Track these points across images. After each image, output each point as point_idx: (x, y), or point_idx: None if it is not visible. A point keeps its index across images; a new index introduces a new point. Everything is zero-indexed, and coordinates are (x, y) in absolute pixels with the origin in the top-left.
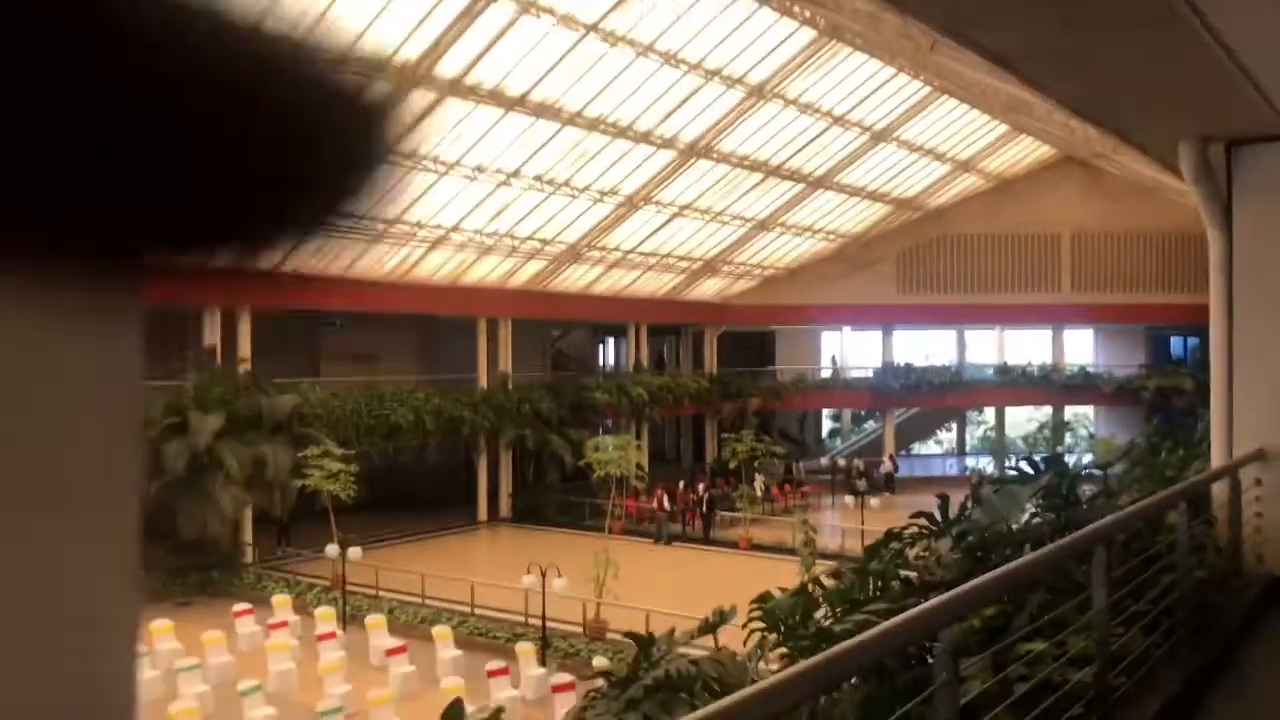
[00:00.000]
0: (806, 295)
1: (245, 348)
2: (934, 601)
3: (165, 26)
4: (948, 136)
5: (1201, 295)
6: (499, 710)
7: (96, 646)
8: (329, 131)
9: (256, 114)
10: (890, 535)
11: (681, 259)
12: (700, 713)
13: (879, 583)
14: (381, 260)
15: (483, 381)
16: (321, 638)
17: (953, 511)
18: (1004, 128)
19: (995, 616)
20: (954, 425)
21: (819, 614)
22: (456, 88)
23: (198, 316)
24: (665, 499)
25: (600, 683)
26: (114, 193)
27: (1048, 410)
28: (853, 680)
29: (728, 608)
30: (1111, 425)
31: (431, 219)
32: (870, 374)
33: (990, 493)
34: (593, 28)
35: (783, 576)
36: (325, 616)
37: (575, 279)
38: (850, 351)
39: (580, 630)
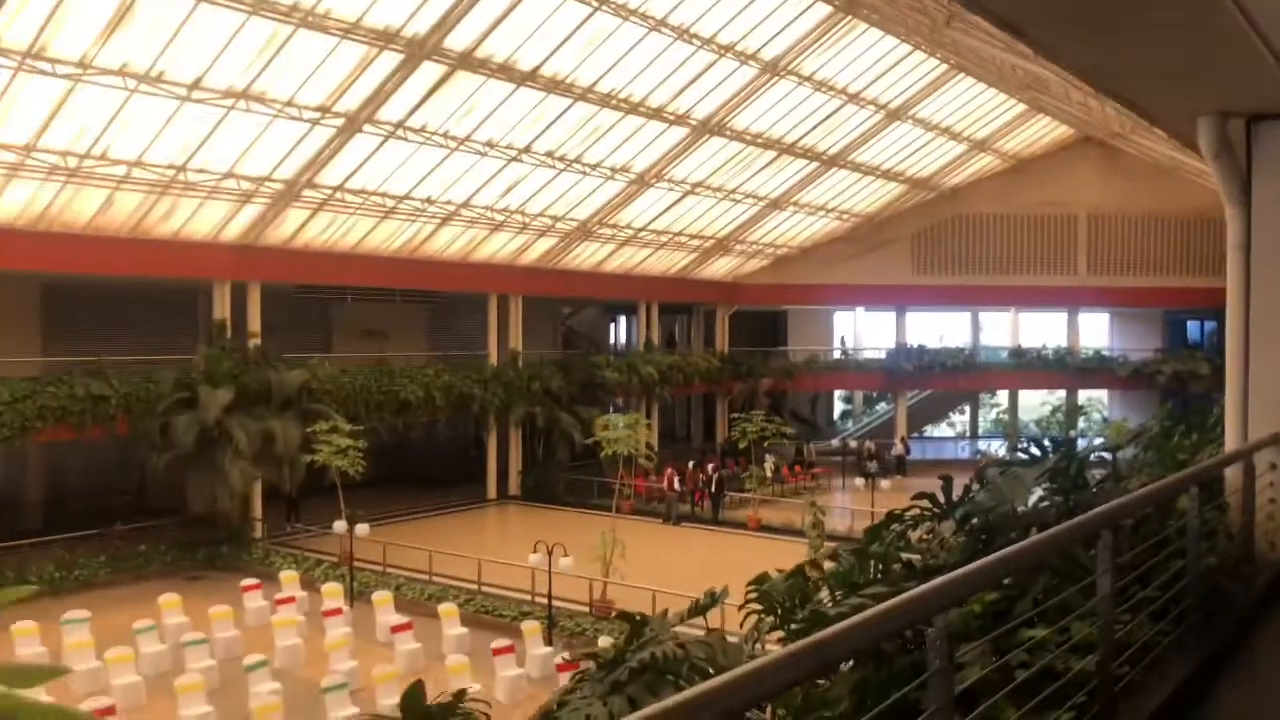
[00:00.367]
0: (819, 275)
1: (255, 322)
2: (927, 586)
3: None
4: (964, 115)
5: (1220, 279)
6: (462, 691)
7: None
8: None
9: None
10: (891, 517)
11: (693, 237)
12: (682, 695)
13: (879, 565)
14: (393, 236)
15: (493, 358)
16: (328, 614)
17: (958, 493)
18: (1021, 107)
19: (998, 601)
20: (967, 408)
21: (820, 596)
22: (467, 61)
23: (208, 291)
24: (675, 479)
25: (588, 664)
26: None
27: (1062, 394)
28: (850, 663)
29: (719, 589)
30: (1126, 409)
31: (442, 195)
32: (883, 355)
33: (996, 475)
34: (605, 1)
35: (790, 558)
36: (332, 593)
37: (586, 256)
38: (863, 332)
39: (587, 609)
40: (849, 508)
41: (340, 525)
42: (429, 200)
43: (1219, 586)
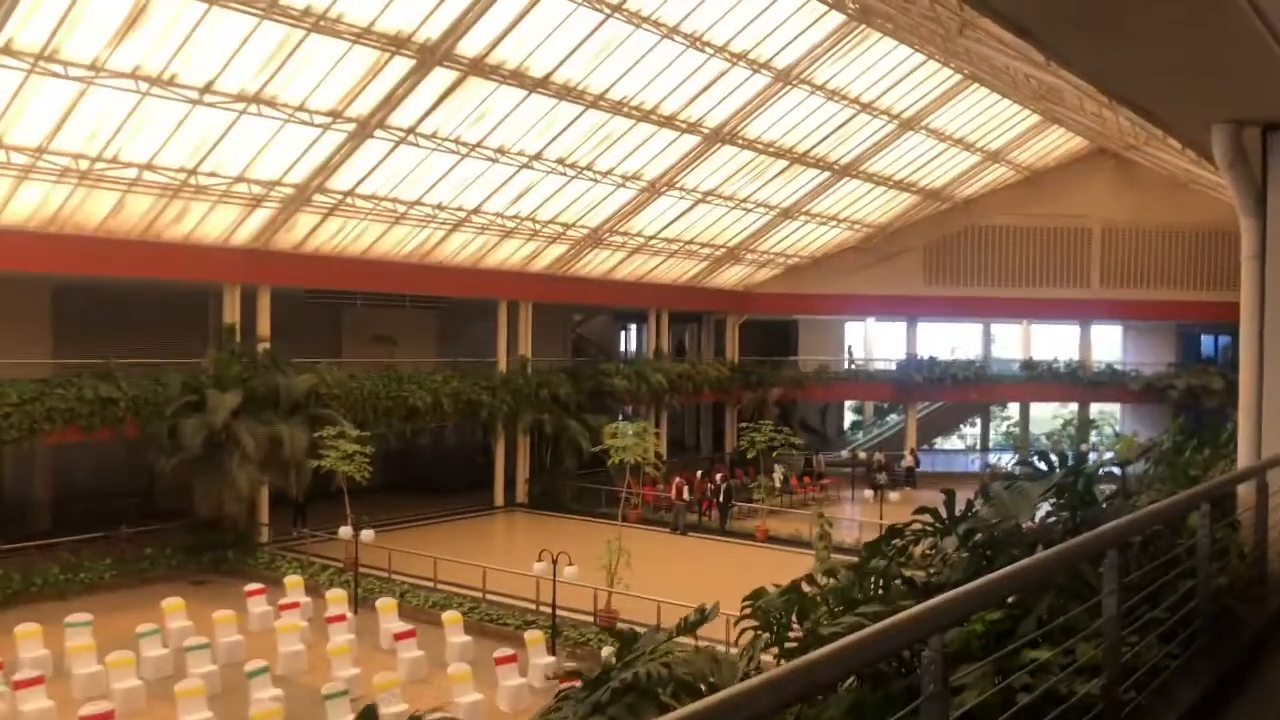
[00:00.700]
0: (830, 285)
1: (265, 326)
2: (922, 606)
3: None
4: (977, 126)
5: (1235, 293)
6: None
7: None
8: None
9: None
10: (892, 532)
11: (704, 246)
12: (667, 719)
13: (879, 581)
14: (403, 241)
15: (502, 365)
16: (331, 620)
17: (964, 507)
18: (1035, 118)
19: (1000, 620)
20: (978, 420)
21: (817, 613)
22: (479, 67)
23: (218, 295)
24: (684, 489)
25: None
26: None
27: (1074, 407)
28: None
29: (709, 606)
30: (1138, 424)
31: (453, 201)
32: (893, 366)
33: (1000, 489)
34: (617, 8)
35: (797, 570)
36: (336, 599)
37: (597, 264)
38: (874, 343)
39: (591, 619)
40: (857, 519)
41: (346, 531)
42: (440, 206)
43: (1229, 608)
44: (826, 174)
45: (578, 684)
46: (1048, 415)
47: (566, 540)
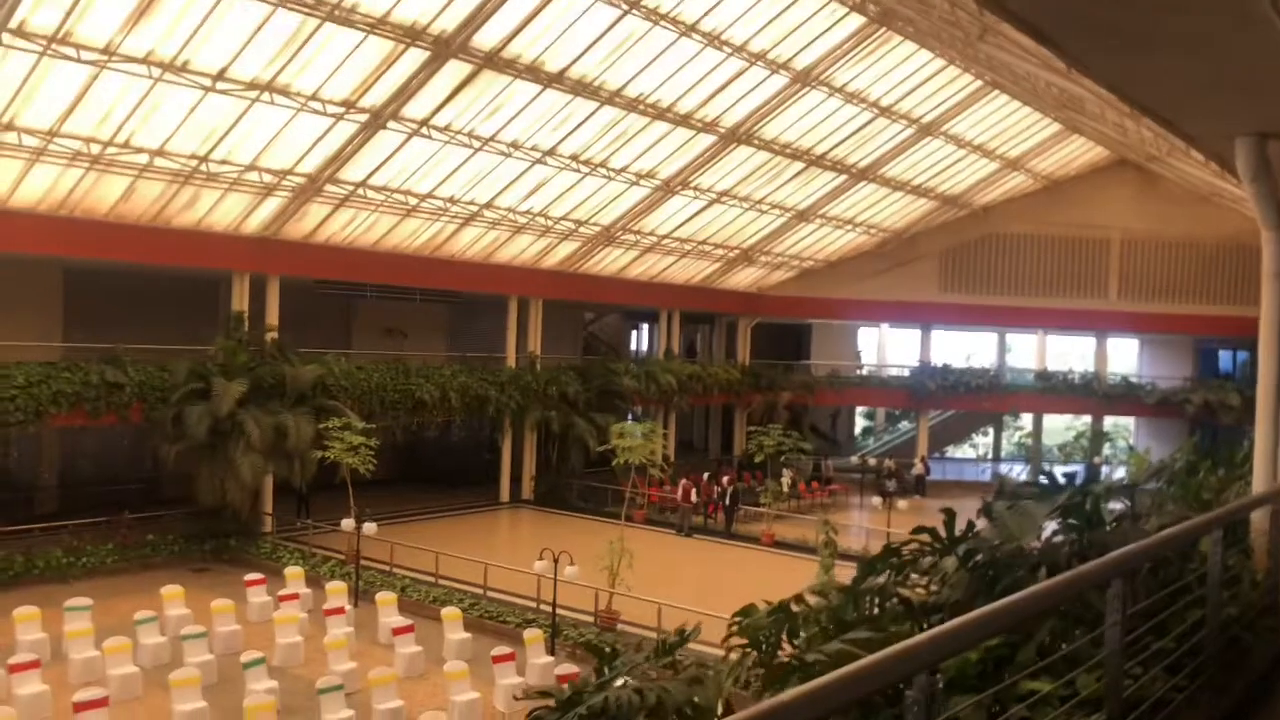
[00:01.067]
0: (844, 289)
1: (273, 316)
2: (905, 644)
3: None
4: (997, 133)
5: (1255, 308)
6: None
7: None
8: None
9: None
10: (888, 551)
11: (718, 246)
12: None
13: (876, 601)
14: (414, 234)
15: (511, 361)
16: (330, 612)
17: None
18: (1056, 126)
19: (998, 647)
20: (990, 430)
21: (810, 632)
22: (494, 60)
23: (229, 283)
24: (692, 491)
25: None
26: None
27: (1088, 419)
28: None
29: (690, 627)
30: (1153, 438)
31: (465, 194)
32: (907, 373)
33: (1003, 509)
34: (635, 4)
35: (801, 575)
36: (336, 591)
37: (609, 262)
38: (888, 349)
39: (592, 619)
40: (864, 527)
41: (348, 523)
42: (451, 200)
43: (1239, 639)
44: (843, 177)
45: (551, 704)
46: (1061, 426)
47: (570, 539)
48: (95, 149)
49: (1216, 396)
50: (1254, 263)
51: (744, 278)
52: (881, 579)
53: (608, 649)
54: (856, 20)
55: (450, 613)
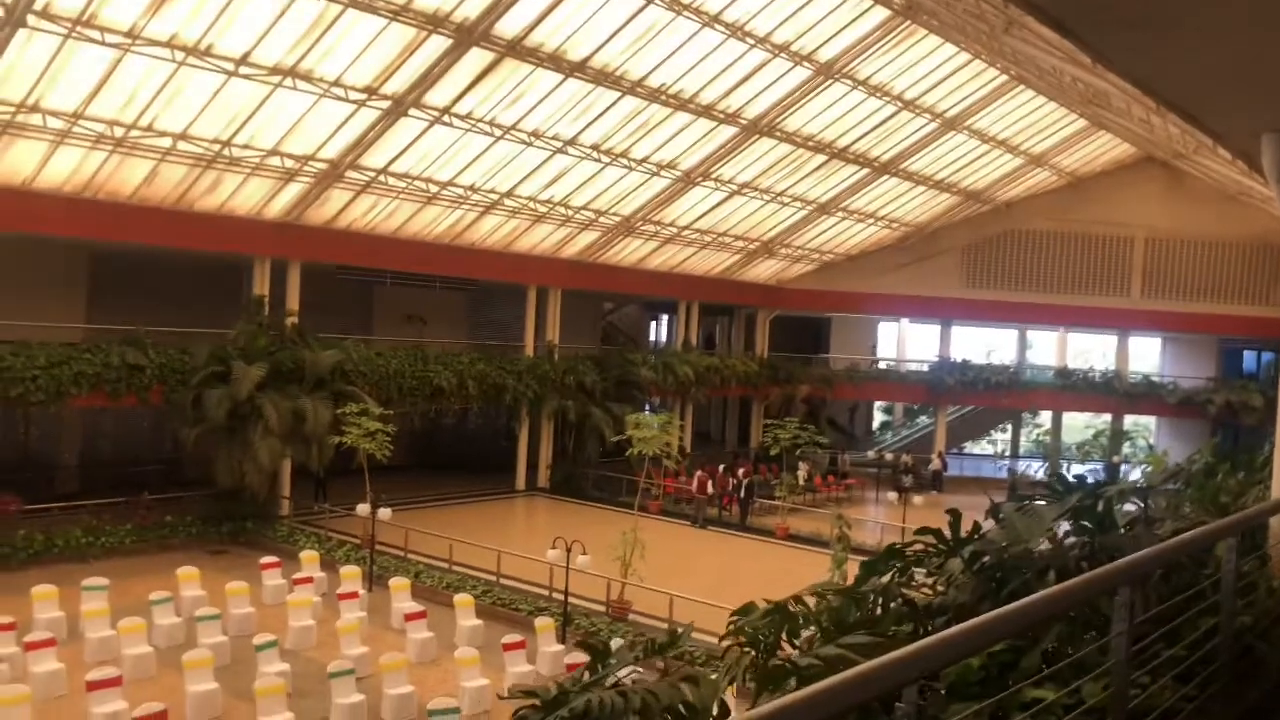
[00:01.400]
0: (865, 283)
1: (294, 300)
2: (892, 656)
3: None
4: (1022, 128)
5: None
6: None
7: None
8: None
9: None
10: (891, 553)
11: (738, 238)
12: None
13: (879, 602)
14: (434, 222)
15: (529, 350)
16: (344, 596)
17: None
18: (1081, 123)
19: (1002, 653)
20: (1009, 426)
21: (816, 632)
22: (516, 49)
23: (249, 267)
24: (708, 483)
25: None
26: None
27: (1107, 417)
28: None
29: (682, 627)
30: (1174, 438)
31: (485, 183)
32: (926, 368)
33: (1012, 510)
34: None
35: (814, 568)
36: (350, 575)
37: (628, 253)
38: (908, 344)
39: (603, 609)
40: (880, 522)
41: (363, 508)
42: (472, 188)
43: (1252, 648)
44: (866, 171)
45: (536, 703)
46: (1080, 425)
47: (585, 528)
48: (119, 132)
49: (1239, 397)
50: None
51: (764, 270)
52: (885, 579)
53: (601, 646)
54: (881, 13)
55: (462, 599)
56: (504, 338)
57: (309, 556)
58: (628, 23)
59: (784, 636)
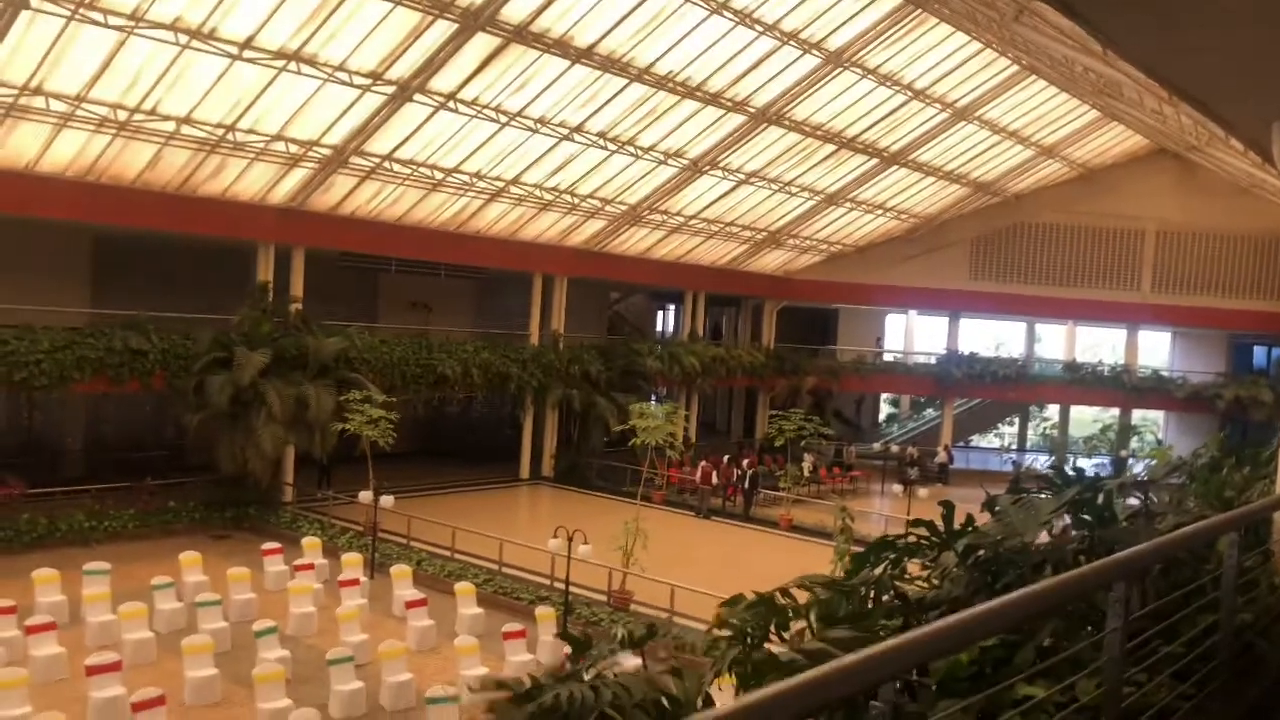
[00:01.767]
0: (873, 275)
1: (298, 287)
2: (866, 652)
3: None
4: (1033, 119)
5: None
6: None
7: None
8: None
9: None
10: (882, 544)
11: (745, 228)
12: None
13: (871, 594)
14: (439, 209)
15: (534, 339)
16: (345, 584)
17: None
18: (1093, 114)
19: (995, 648)
20: (1016, 420)
21: (799, 626)
22: (522, 34)
23: (254, 253)
24: (713, 473)
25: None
26: None
27: (1116, 412)
28: None
29: (660, 623)
30: (1183, 432)
31: (491, 170)
32: (933, 360)
33: (1008, 503)
34: None
35: (817, 559)
36: (351, 562)
37: (634, 242)
38: (915, 336)
39: (605, 598)
40: (884, 514)
41: (366, 495)
42: (477, 175)
43: (1253, 645)
44: (874, 161)
45: (509, 695)
46: (1088, 419)
47: (589, 517)
48: (122, 115)
49: (1248, 392)
50: None
51: (771, 260)
52: (877, 572)
53: (582, 638)
54: (891, 1)
55: (463, 587)
56: (511, 326)
57: (311, 543)
58: (635, 8)
59: (774, 629)
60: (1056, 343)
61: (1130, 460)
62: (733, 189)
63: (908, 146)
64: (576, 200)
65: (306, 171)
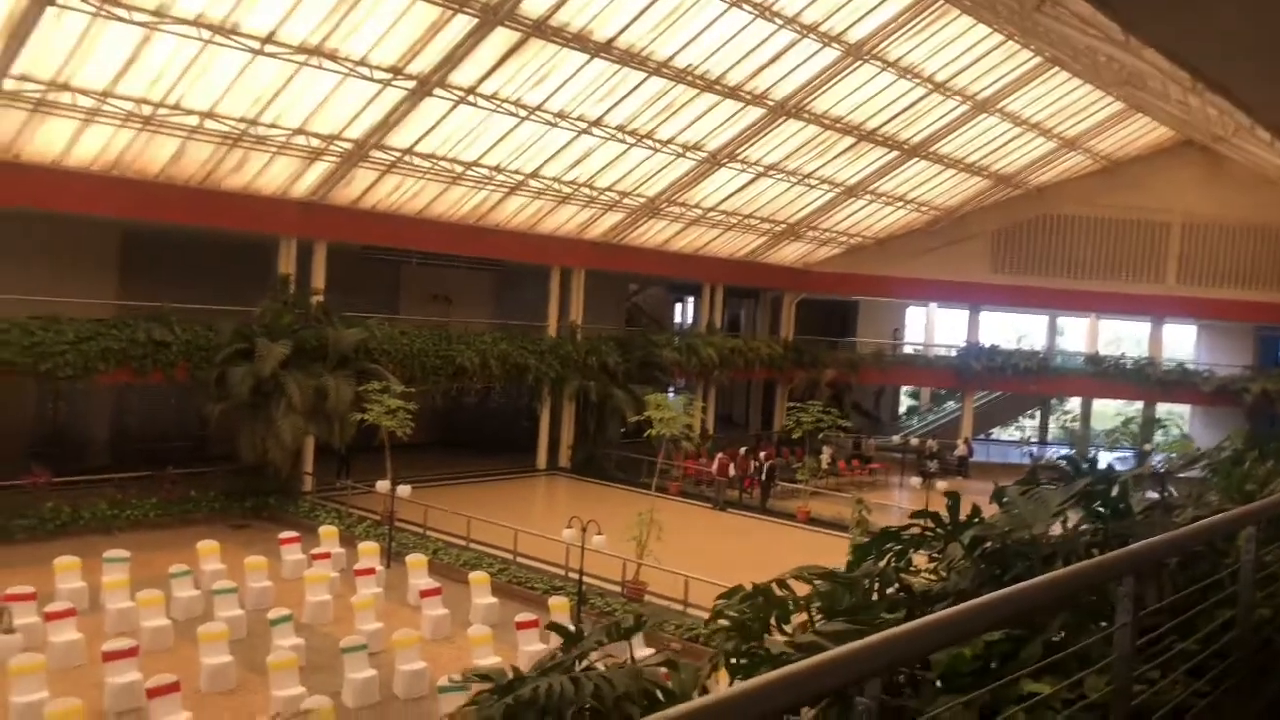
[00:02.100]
0: (892, 267)
1: (319, 279)
2: (851, 647)
3: None
4: (1055, 111)
5: None
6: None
7: None
8: None
9: None
10: (885, 536)
11: (764, 221)
12: None
13: (874, 586)
14: (459, 202)
15: (552, 330)
16: (361, 572)
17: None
18: (1117, 105)
19: (1001, 642)
20: (1037, 413)
21: (800, 619)
22: (541, 28)
23: (276, 246)
24: (729, 465)
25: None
26: None
27: (1139, 405)
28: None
29: (644, 615)
30: (1208, 426)
31: (510, 163)
32: (954, 353)
33: (1016, 494)
34: None
35: (833, 552)
36: (368, 551)
37: (653, 234)
38: (936, 329)
39: (619, 589)
40: (901, 507)
41: (383, 485)
42: (497, 168)
43: (1271, 641)
44: (894, 153)
45: (490, 688)
46: (1111, 412)
47: (605, 508)
48: (147, 110)
49: (1276, 386)
50: None
51: (790, 253)
52: (881, 563)
53: (573, 629)
54: None
55: (478, 577)
56: (531, 318)
57: (328, 532)
58: (654, 2)
59: (774, 621)
60: (1079, 336)
61: (1154, 454)
62: (751, 181)
63: (928, 139)
64: (595, 193)
65: (328, 165)
